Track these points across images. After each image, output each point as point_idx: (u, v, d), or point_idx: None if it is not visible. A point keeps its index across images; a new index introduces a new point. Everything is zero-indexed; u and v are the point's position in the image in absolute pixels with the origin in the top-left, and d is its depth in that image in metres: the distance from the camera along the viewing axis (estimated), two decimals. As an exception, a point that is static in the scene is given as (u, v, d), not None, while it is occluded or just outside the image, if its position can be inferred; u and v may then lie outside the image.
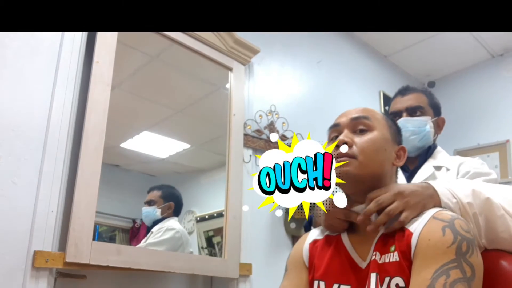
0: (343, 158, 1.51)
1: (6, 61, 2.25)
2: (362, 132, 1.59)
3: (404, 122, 2.26)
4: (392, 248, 1.42)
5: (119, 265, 2.38)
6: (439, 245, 1.32)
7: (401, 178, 2.09)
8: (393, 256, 1.40)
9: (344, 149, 1.51)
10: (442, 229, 1.35)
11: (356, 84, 4.92)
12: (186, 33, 3.06)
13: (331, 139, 1.67)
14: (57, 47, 2.43)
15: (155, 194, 3.03)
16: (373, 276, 1.42)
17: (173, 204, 3.06)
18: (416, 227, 1.41)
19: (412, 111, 2.33)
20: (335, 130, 1.67)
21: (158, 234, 2.93)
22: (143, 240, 2.93)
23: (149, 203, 2.99)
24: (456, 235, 1.33)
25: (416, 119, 2.31)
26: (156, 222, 2.98)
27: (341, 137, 1.57)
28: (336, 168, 1.49)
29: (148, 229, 2.98)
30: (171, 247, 2.92)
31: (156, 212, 2.97)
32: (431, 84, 5.94)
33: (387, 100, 5.17)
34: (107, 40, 2.61)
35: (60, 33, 2.45)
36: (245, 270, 3.10)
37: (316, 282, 1.60)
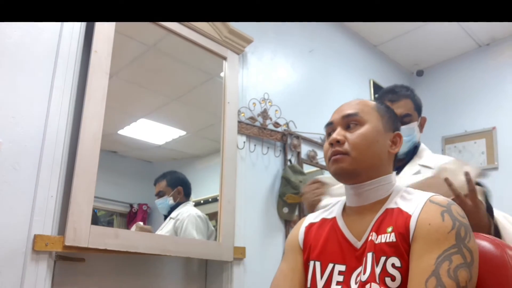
0: (337, 156, 1.57)
1: (7, 51, 2.24)
2: (353, 127, 1.61)
3: None
4: (389, 229, 1.43)
5: (116, 249, 2.39)
6: (440, 230, 1.34)
7: None
8: (390, 237, 1.41)
9: (337, 146, 1.58)
10: (441, 214, 1.37)
11: (346, 72, 4.93)
12: (182, 23, 3.05)
13: (327, 137, 1.69)
14: (56, 37, 2.43)
15: (162, 184, 3.05)
16: (369, 256, 1.44)
17: (181, 188, 3.09)
18: (414, 210, 1.43)
19: (402, 119, 2.37)
20: (330, 128, 1.69)
21: (183, 224, 2.97)
22: (161, 227, 2.96)
23: (159, 194, 3.02)
24: (454, 220, 1.36)
25: (405, 128, 2.35)
26: (172, 208, 3.01)
27: (333, 136, 1.60)
28: (332, 165, 1.56)
29: (165, 217, 3.02)
30: (204, 233, 3.01)
31: (169, 201, 3.00)
32: (420, 73, 5.96)
33: (377, 88, 5.19)
34: (105, 30, 2.61)
35: (59, 23, 2.45)
36: (239, 254, 3.11)
37: (312, 263, 1.62)
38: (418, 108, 2.54)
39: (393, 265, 1.37)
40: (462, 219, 1.38)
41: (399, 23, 4.94)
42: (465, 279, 1.26)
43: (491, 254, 1.50)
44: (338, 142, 1.58)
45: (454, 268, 1.27)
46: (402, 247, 1.38)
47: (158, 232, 2.99)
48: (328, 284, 1.54)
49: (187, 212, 3.06)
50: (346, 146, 1.57)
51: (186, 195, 3.13)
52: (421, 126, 2.58)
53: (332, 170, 1.60)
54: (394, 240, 1.40)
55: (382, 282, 1.37)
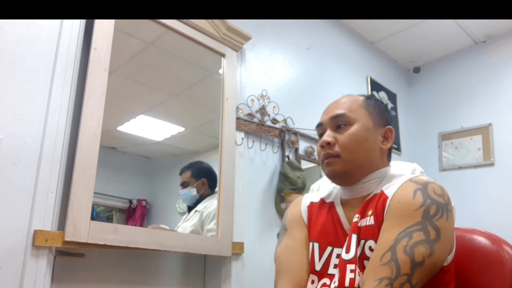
0: (329, 159, 1.60)
1: (7, 47, 2.24)
2: (343, 128, 1.62)
3: None
4: (370, 213, 1.46)
5: (116, 244, 2.39)
6: (407, 207, 1.35)
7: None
8: (369, 220, 1.44)
9: (327, 149, 1.60)
10: (414, 192, 1.38)
11: (344, 69, 4.93)
12: (181, 20, 3.05)
13: (319, 137, 1.69)
14: (56, 34, 2.43)
15: (186, 175, 3.07)
16: (354, 237, 1.46)
17: (205, 180, 3.10)
18: (392, 191, 1.44)
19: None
20: (320, 129, 1.71)
21: (210, 216, 3.01)
22: (185, 219, 2.97)
23: (183, 185, 3.04)
24: (426, 198, 1.36)
25: None
26: (198, 201, 3.04)
27: (324, 138, 1.62)
28: (325, 168, 1.58)
29: (190, 208, 3.06)
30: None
31: (192, 192, 3.01)
32: (416, 69, 5.96)
33: (374, 85, 5.20)
34: (104, 27, 2.60)
35: (59, 20, 2.45)
36: (237, 249, 3.12)
37: (310, 244, 1.64)
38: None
39: (370, 248, 1.38)
40: (436, 198, 1.37)
41: (396, 21, 4.93)
42: (422, 254, 1.26)
43: (487, 250, 1.51)
44: (329, 144, 1.59)
45: (412, 244, 1.27)
46: (379, 229, 1.39)
47: (182, 224, 3.01)
48: (326, 266, 1.56)
49: (214, 205, 3.08)
50: (337, 148, 1.58)
51: (211, 187, 3.15)
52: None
53: (326, 173, 1.63)
54: (373, 223, 1.42)
55: (361, 265, 1.39)
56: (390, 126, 1.69)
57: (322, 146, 1.61)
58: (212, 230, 2.97)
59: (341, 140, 1.58)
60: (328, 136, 1.61)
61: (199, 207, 3.04)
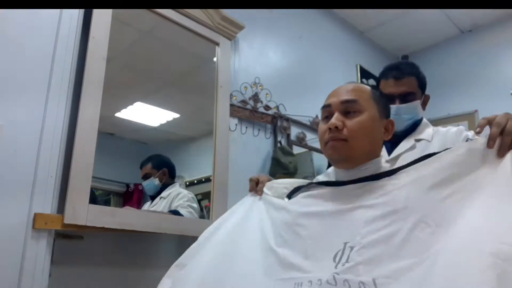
0: (334, 142, 1.57)
1: (8, 37, 2.23)
2: (352, 114, 1.60)
3: (397, 110, 2.27)
4: None
5: (113, 227, 2.40)
6: None
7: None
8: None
9: (335, 132, 1.57)
10: None
11: (334, 58, 4.93)
12: (176, 10, 3.04)
13: (323, 118, 1.68)
14: (55, 23, 2.42)
15: (147, 167, 3.06)
16: None
17: (166, 170, 3.09)
18: None
19: (405, 97, 2.33)
20: (327, 110, 1.67)
21: (180, 201, 3.02)
22: (150, 205, 2.98)
23: (145, 177, 3.03)
24: None
25: (408, 106, 2.32)
26: (161, 189, 3.06)
27: (332, 121, 1.58)
28: (329, 150, 1.58)
29: (153, 197, 3.06)
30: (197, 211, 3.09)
31: (155, 182, 3.02)
32: (404, 58, 5.96)
33: (363, 73, 5.20)
34: (102, 17, 2.60)
35: (59, 10, 2.44)
36: (231, 231, 3.12)
37: None
38: (422, 85, 2.46)
39: None
40: None
41: (385, 10, 4.94)
42: None
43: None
44: (336, 128, 1.56)
45: None
46: None
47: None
48: None
49: (180, 190, 3.11)
50: (345, 132, 1.56)
51: (171, 177, 3.16)
52: (424, 104, 2.49)
53: (328, 155, 1.62)
54: None
55: None
56: (391, 119, 1.70)
57: (329, 129, 1.58)
58: (181, 206, 2.99)
59: (350, 126, 1.57)
60: (337, 119, 1.58)
61: (164, 194, 3.05)
